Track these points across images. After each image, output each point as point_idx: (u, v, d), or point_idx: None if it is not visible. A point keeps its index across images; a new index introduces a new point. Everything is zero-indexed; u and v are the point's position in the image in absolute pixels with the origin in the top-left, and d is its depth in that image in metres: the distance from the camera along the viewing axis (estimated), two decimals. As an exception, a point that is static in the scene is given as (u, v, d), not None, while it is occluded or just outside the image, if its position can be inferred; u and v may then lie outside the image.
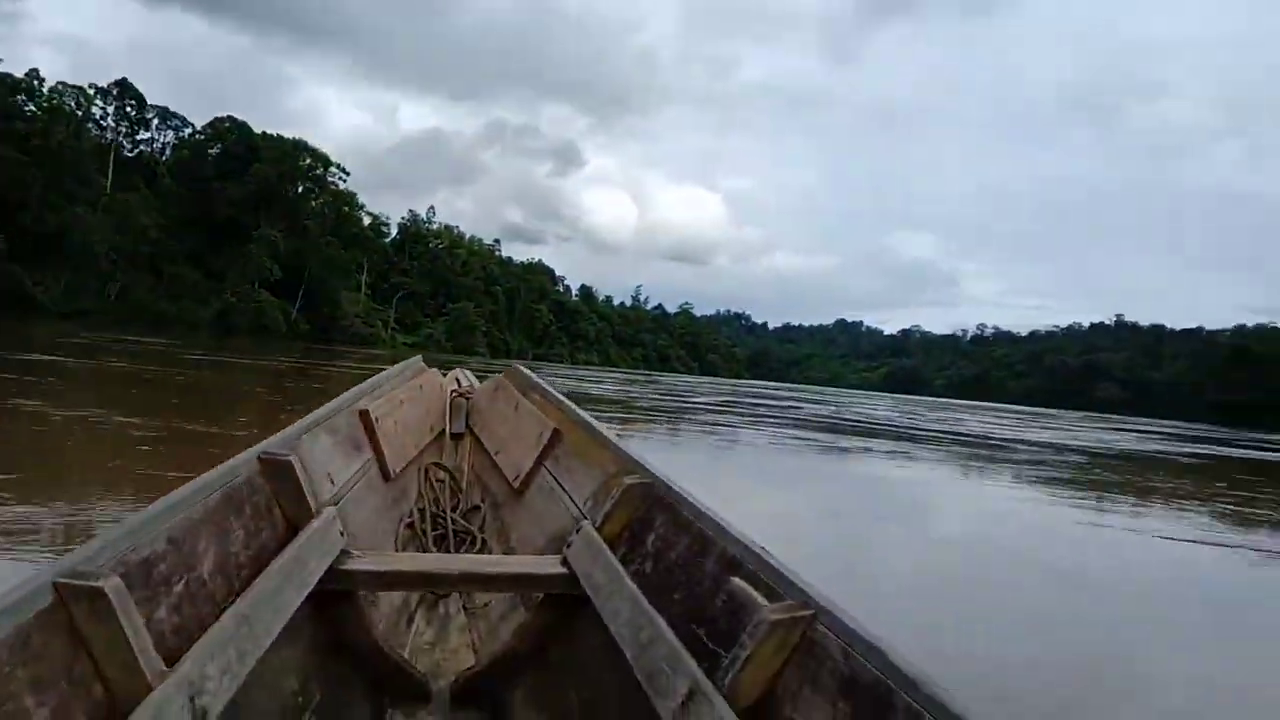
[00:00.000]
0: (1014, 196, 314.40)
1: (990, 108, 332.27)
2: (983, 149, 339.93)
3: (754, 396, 41.55)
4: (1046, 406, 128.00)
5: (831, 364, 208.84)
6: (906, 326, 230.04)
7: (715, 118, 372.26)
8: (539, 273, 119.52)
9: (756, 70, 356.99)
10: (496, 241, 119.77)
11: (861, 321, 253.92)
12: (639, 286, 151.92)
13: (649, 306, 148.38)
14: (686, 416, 21.07)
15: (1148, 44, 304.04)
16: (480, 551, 2.73)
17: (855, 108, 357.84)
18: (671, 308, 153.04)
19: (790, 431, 19.29)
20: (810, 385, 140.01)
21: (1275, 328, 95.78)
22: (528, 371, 3.32)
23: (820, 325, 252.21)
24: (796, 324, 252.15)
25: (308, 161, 75.21)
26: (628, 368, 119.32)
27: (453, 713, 1.95)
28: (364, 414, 2.60)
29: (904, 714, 0.95)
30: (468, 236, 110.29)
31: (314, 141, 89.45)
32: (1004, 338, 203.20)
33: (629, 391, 32.77)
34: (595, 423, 2.49)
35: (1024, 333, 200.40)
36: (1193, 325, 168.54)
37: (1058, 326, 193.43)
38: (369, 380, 2.97)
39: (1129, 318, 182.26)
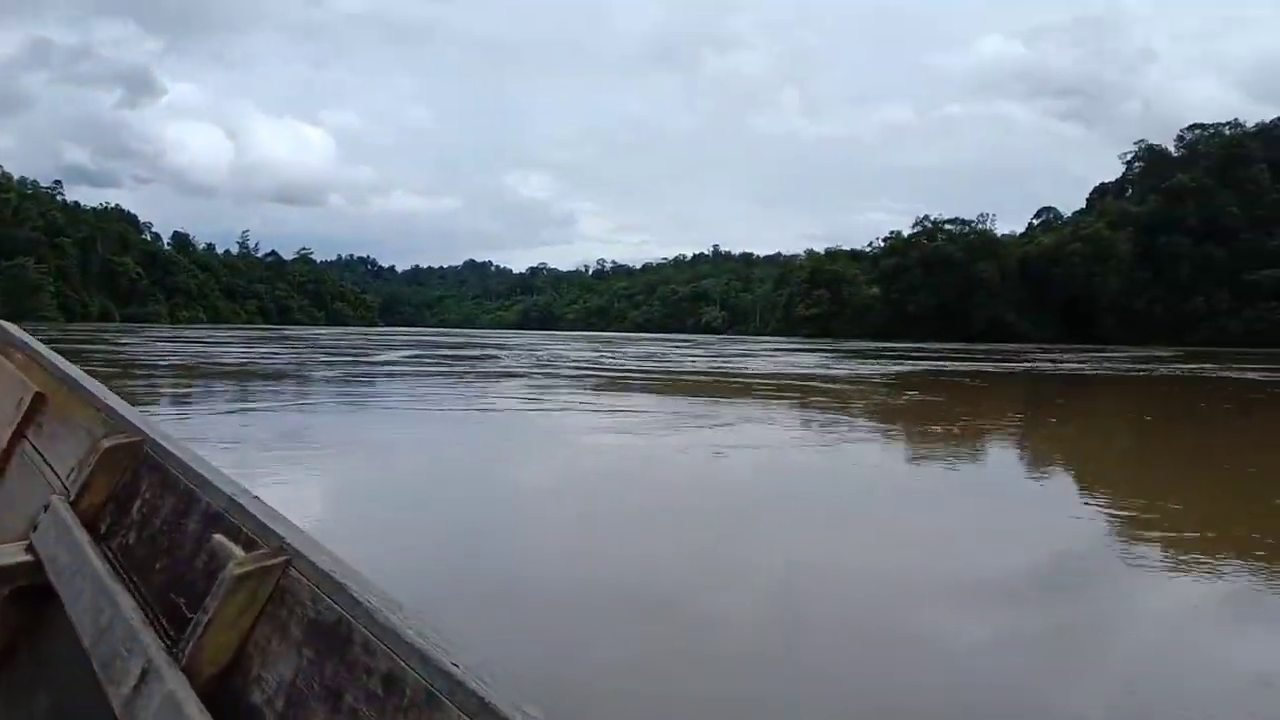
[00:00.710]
0: (615, 139, 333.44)
1: (590, 52, 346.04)
2: (586, 92, 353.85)
3: (436, 348, 35.62)
4: (662, 332, 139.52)
5: (465, 305, 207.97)
6: (534, 265, 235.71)
7: (315, 47, 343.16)
8: (117, 220, 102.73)
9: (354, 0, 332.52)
10: (57, 184, 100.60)
11: (490, 261, 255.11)
12: (245, 232, 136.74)
13: (260, 254, 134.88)
14: (421, 391, 15.65)
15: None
16: None
17: (464, 43, 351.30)
18: (287, 254, 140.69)
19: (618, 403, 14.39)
20: (448, 328, 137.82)
21: (837, 251, 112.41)
22: (8, 326, 2.63)
23: (450, 267, 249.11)
24: (426, 266, 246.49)
25: None
26: (241, 323, 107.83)
27: None
28: None
29: (361, 647, 0.97)
30: (16, 179, 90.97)
31: None
32: (621, 271, 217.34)
33: (277, 357, 25.24)
34: (85, 378, 2.12)
35: (638, 266, 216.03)
36: (773, 252, 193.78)
37: (666, 258, 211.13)
38: None
39: (724, 248, 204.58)
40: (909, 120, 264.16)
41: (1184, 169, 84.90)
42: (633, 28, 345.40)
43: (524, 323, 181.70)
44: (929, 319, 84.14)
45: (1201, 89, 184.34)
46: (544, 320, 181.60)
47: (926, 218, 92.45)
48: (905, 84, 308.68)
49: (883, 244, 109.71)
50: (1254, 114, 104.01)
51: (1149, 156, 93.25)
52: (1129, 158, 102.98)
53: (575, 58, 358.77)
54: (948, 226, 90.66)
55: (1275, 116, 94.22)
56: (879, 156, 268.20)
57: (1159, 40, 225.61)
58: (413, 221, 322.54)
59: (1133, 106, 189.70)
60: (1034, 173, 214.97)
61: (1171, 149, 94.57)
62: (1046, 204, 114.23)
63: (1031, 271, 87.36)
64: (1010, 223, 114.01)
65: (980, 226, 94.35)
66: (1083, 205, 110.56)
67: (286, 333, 61.07)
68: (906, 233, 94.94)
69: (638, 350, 39.25)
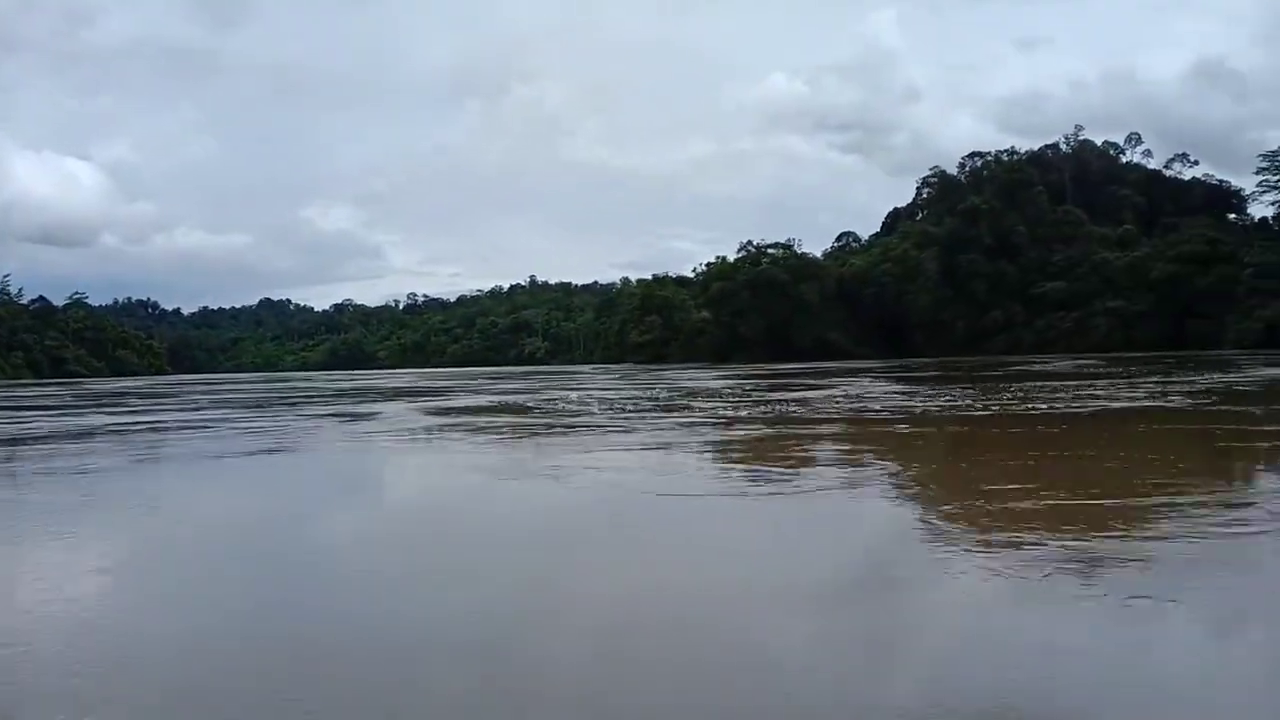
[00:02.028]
0: (420, 169, 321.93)
1: (388, 81, 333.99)
2: (386, 121, 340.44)
3: (421, 397, 27.52)
4: (484, 364, 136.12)
5: (265, 347, 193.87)
6: (338, 301, 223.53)
7: (79, 76, 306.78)
8: None
9: (122, 25, 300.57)
10: None
11: (289, 300, 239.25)
12: (6, 276, 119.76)
13: (24, 300, 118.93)
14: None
15: (523, 30, 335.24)
16: None
17: (251, 73, 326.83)
18: (57, 299, 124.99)
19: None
20: (249, 373, 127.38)
21: (665, 278, 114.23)
22: None
23: (244, 307, 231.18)
24: (215, 308, 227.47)
25: None
26: (6, 379, 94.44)
27: None
28: None
29: None
30: None
31: None
32: (435, 304, 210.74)
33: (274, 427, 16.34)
34: None
35: (453, 298, 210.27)
36: (590, 280, 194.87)
37: (481, 290, 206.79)
38: None
39: (541, 278, 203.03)
40: (708, 152, 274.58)
41: (973, 193, 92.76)
42: (432, 58, 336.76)
43: (332, 362, 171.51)
44: (759, 341, 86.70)
45: (960, 124, 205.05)
46: (354, 359, 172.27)
47: (750, 242, 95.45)
48: (702, 118, 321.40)
49: (705, 268, 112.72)
50: (1004, 145, 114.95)
51: (941, 182, 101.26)
52: (919, 183, 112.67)
53: (373, 88, 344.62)
54: (770, 250, 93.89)
55: (1043, 144, 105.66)
56: (681, 187, 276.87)
57: (921, 80, 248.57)
58: (198, 260, 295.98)
59: (903, 139, 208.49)
60: (822, 201, 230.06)
61: (958, 175, 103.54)
62: (829, 229, 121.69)
63: (847, 291, 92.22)
64: (809, 247, 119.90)
65: (798, 250, 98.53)
66: (876, 229, 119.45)
67: (93, 387, 52.39)
68: (731, 257, 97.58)
69: (663, 385, 30.49)
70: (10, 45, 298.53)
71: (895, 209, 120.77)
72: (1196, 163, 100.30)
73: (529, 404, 22.42)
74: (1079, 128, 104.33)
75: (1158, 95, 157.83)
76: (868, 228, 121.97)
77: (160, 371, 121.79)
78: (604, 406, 19.73)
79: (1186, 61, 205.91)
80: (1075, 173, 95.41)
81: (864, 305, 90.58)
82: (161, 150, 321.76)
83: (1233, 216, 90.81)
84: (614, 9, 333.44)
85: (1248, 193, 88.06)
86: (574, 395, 25.16)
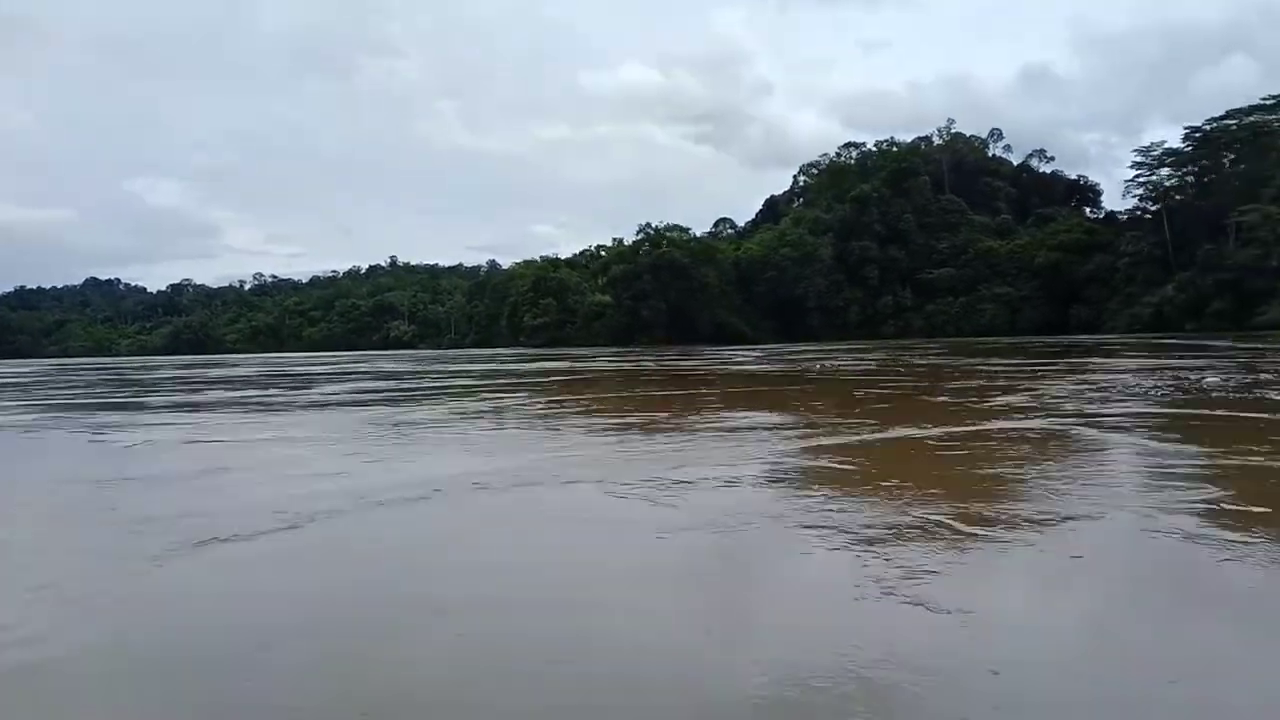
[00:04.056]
0: (260, 144, 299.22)
1: (226, 52, 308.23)
2: (223, 94, 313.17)
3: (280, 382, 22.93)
4: (349, 349, 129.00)
5: (95, 330, 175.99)
6: (175, 281, 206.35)
7: None
8: None
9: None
10: None
11: (118, 279, 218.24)
12: None
13: None
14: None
15: (373, 2, 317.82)
16: None
17: (72, 40, 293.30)
18: None
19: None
20: (81, 358, 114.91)
21: (556, 260, 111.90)
22: None
23: (67, 286, 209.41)
24: (34, 287, 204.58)
25: None
26: None
27: None
28: None
29: None
30: None
31: None
32: (286, 285, 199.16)
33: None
34: None
35: (304, 279, 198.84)
36: (455, 263, 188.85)
37: (337, 271, 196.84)
38: None
39: (402, 259, 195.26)
40: (565, 136, 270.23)
41: (862, 181, 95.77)
42: (275, 28, 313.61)
43: (175, 346, 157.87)
44: (660, 324, 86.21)
45: (808, 119, 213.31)
46: (199, 344, 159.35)
47: (649, 225, 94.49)
48: (558, 102, 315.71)
49: (597, 251, 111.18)
50: (848, 140, 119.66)
51: (830, 169, 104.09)
52: (798, 170, 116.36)
53: (212, 58, 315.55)
54: (669, 234, 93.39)
55: (917, 135, 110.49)
56: (539, 170, 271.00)
57: (771, 76, 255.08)
58: (12, 236, 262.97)
59: (756, 131, 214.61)
60: (680, 188, 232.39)
61: (846, 161, 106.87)
62: (689, 216, 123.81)
63: (744, 275, 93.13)
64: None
65: (698, 234, 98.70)
66: (743, 216, 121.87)
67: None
68: (629, 240, 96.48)
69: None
70: None
71: (773, 196, 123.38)
72: (1053, 158, 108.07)
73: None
74: (951, 121, 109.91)
75: (988, 97, 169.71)
76: (728, 215, 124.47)
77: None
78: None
79: (1014, 68, 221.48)
80: (952, 164, 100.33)
81: (761, 289, 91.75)
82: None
83: (1089, 210, 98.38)
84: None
85: (1118, 185, 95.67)
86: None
